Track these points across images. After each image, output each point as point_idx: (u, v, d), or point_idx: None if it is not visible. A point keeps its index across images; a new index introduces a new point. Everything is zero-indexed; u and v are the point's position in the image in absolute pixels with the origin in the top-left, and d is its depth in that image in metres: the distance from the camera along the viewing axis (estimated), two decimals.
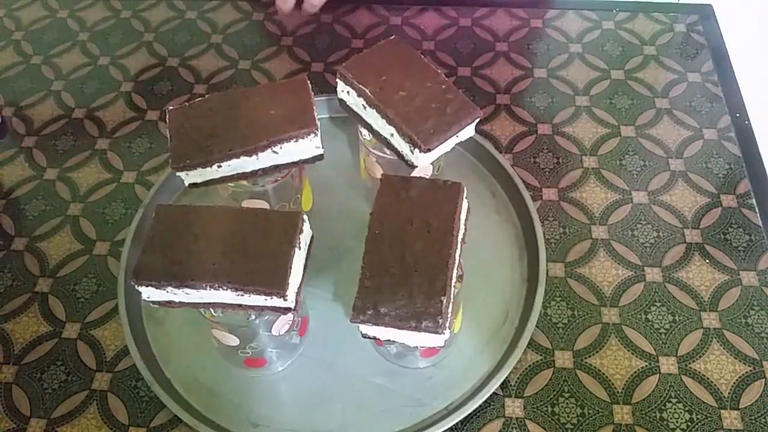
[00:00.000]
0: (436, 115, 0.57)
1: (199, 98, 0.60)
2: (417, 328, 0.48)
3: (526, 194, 0.68)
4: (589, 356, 0.61)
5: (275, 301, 0.51)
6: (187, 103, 0.60)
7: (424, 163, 0.58)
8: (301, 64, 0.84)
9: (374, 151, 0.63)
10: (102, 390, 0.60)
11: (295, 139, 0.58)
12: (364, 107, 0.59)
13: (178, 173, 0.58)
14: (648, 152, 0.74)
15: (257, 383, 0.61)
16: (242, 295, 0.50)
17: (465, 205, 0.56)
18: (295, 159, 0.60)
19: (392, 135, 0.58)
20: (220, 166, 0.58)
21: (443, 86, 0.59)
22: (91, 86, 0.83)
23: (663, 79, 0.81)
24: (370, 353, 0.61)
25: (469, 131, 0.59)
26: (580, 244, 0.68)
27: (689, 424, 0.57)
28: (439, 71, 0.60)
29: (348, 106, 0.62)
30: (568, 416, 0.58)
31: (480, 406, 0.57)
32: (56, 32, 0.89)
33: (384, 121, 0.58)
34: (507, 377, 0.59)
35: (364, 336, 0.52)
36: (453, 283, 0.51)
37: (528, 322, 0.60)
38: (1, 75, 0.85)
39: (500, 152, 0.73)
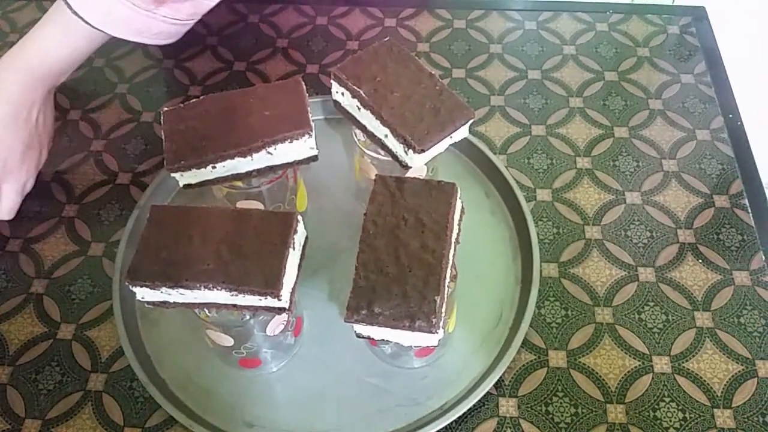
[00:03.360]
0: (430, 116, 0.57)
1: (194, 99, 0.60)
2: (411, 328, 0.48)
3: (520, 195, 0.69)
4: (583, 356, 0.61)
5: (269, 301, 0.51)
6: (182, 105, 0.60)
7: (418, 164, 0.58)
8: (296, 66, 0.84)
9: (369, 152, 0.64)
10: (97, 390, 0.60)
11: (289, 140, 0.58)
12: (359, 108, 0.59)
13: (172, 174, 0.58)
14: (641, 153, 0.75)
15: (252, 383, 0.61)
16: (237, 296, 0.51)
17: (459, 205, 0.56)
18: (290, 160, 0.60)
19: (386, 136, 0.58)
20: (214, 167, 0.58)
21: (437, 87, 0.59)
22: (86, 88, 0.83)
23: (656, 80, 0.81)
24: (365, 353, 0.61)
25: (463, 132, 0.59)
26: (574, 245, 0.68)
27: (682, 423, 0.57)
28: (434, 73, 0.60)
29: (342, 107, 0.62)
30: (562, 415, 0.58)
31: (474, 405, 0.57)
32: None
33: (378, 122, 0.58)
34: (501, 377, 0.59)
35: (359, 336, 0.52)
36: (447, 283, 0.51)
37: (522, 321, 0.60)
38: None
39: (494, 153, 0.73)
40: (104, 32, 0.68)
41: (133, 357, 0.60)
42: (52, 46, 0.69)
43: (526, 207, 0.68)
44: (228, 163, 0.58)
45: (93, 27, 0.67)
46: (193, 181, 0.59)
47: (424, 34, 0.87)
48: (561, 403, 0.59)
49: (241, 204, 0.64)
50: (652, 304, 0.64)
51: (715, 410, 0.58)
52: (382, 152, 0.61)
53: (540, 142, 0.76)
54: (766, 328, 0.62)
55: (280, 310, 0.52)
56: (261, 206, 0.64)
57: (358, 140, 0.64)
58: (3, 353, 0.63)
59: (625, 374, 0.60)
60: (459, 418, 0.57)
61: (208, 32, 0.88)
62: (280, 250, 0.51)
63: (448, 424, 0.57)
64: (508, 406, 0.59)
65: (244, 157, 0.58)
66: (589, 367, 0.60)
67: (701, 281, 0.65)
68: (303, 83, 0.61)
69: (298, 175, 0.67)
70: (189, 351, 0.62)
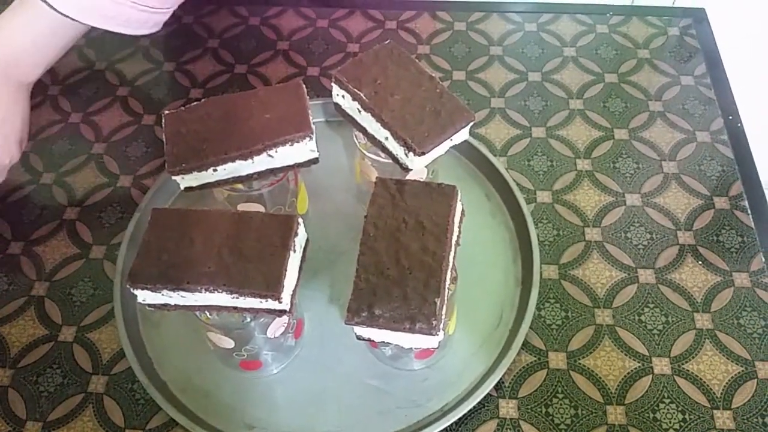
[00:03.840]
0: (430, 119, 0.57)
1: (195, 102, 0.61)
2: (411, 330, 0.49)
3: (520, 197, 0.69)
4: (583, 357, 0.61)
5: (270, 304, 0.51)
6: (183, 108, 0.60)
7: (418, 167, 0.58)
8: (297, 69, 0.85)
9: (369, 155, 0.64)
10: (98, 393, 0.61)
11: (290, 143, 0.58)
12: (359, 111, 0.60)
13: (173, 177, 0.58)
14: (641, 155, 0.75)
15: (253, 385, 0.61)
16: (237, 298, 0.51)
17: (459, 207, 0.56)
18: (291, 162, 0.60)
19: (387, 138, 0.58)
20: (215, 170, 0.58)
21: (438, 90, 0.59)
22: (87, 90, 0.83)
23: (656, 82, 0.82)
24: (365, 355, 0.62)
25: (463, 134, 0.59)
26: (574, 246, 0.68)
27: (682, 424, 0.57)
28: (434, 75, 0.60)
29: (343, 110, 0.62)
30: (562, 417, 0.58)
31: (474, 407, 0.57)
32: None
33: (379, 124, 0.58)
34: (501, 378, 0.59)
35: (359, 338, 0.53)
36: (447, 285, 0.51)
37: (522, 323, 0.61)
38: None
39: (494, 155, 0.73)
40: (70, 17, 0.66)
41: (134, 359, 0.60)
42: (16, 36, 0.66)
43: (527, 209, 0.68)
44: (229, 165, 0.58)
45: (58, 12, 0.65)
46: (194, 184, 0.59)
47: (425, 36, 0.87)
48: (561, 404, 0.59)
49: (242, 207, 0.64)
50: (652, 305, 0.64)
51: (715, 411, 0.58)
52: (383, 155, 0.61)
53: (540, 144, 0.76)
54: (765, 329, 0.62)
55: (281, 313, 0.52)
56: (262, 209, 0.64)
57: (359, 143, 0.64)
58: (4, 356, 0.63)
59: (624, 376, 0.60)
60: (459, 419, 0.57)
61: (209, 35, 0.89)
62: (280, 253, 0.51)
63: (449, 426, 0.57)
64: (508, 408, 0.59)
65: (245, 159, 0.58)
66: (589, 368, 0.60)
67: (701, 283, 0.65)
68: (304, 86, 0.61)
69: (298, 177, 0.67)
70: (190, 353, 0.62)
